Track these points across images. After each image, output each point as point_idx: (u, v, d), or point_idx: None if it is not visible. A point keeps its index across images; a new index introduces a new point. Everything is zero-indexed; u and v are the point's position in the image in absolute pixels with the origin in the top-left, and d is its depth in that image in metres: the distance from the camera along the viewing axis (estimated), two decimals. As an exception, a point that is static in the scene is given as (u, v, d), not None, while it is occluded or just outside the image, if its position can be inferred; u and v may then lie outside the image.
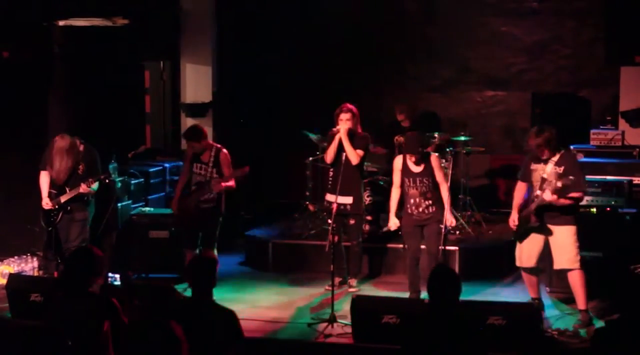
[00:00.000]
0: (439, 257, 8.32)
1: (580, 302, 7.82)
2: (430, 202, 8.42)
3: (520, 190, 8.07)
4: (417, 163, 8.45)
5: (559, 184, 7.58)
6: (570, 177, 7.56)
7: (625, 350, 5.00)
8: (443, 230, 8.33)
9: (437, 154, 8.60)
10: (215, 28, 12.10)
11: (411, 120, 10.77)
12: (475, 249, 9.86)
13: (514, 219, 8.01)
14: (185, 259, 9.01)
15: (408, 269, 8.65)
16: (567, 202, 7.69)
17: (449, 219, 8.46)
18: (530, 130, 8.00)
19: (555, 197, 7.61)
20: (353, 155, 8.92)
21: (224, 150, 8.97)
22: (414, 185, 8.45)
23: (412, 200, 8.47)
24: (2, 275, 9.11)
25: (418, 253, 8.52)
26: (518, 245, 8.07)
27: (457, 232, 10.18)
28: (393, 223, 8.64)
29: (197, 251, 8.94)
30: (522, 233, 7.98)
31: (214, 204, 8.93)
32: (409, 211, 8.50)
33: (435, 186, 8.42)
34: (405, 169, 8.50)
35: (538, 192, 7.78)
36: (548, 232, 7.83)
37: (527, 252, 7.98)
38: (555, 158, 7.78)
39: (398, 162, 8.58)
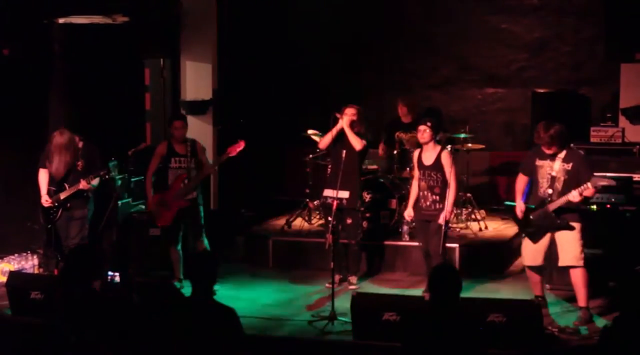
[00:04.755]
0: (439, 256, 8.34)
1: (581, 300, 7.81)
2: (437, 197, 8.49)
3: (521, 182, 8.05)
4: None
5: (599, 184, 7.55)
6: (603, 179, 7.59)
7: (634, 348, 5.00)
8: (443, 228, 8.35)
9: (448, 151, 8.66)
10: (215, 25, 12.08)
11: (413, 116, 10.76)
12: (475, 246, 9.86)
13: (520, 207, 7.90)
14: (171, 256, 9.03)
15: (424, 263, 8.76)
16: (582, 198, 7.70)
17: (444, 215, 8.40)
18: (538, 124, 7.96)
19: (581, 198, 7.60)
20: (356, 142, 8.92)
21: (199, 141, 9.12)
22: (423, 177, 8.59)
23: (421, 193, 8.62)
24: (2, 272, 9.11)
25: (427, 247, 8.61)
26: (525, 244, 8.06)
27: (458, 230, 10.19)
28: (407, 213, 8.84)
29: (180, 246, 9.00)
30: (535, 233, 7.94)
31: (195, 196, 8.99)
32: (419, 204, 8.64)
33: (445, 183, 8.45)
34: (419, 162, 8.66)
35: (550, 191, 7.76)
36: (570, 228, 7.79)
37: (533, 250, 7.97)
38: (562, 155, 7.77)
39: (416, 154, 8.75)
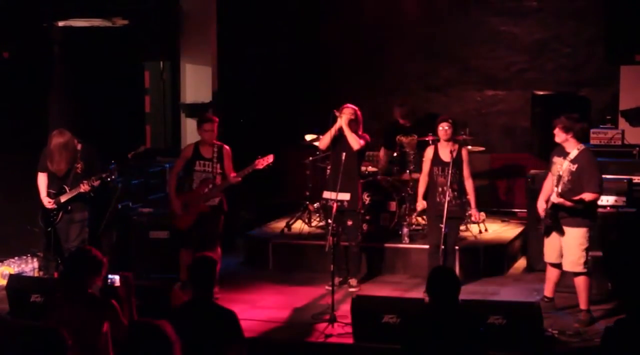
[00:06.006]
0: (455, 251, 8.45)
1: (582, 303, 7.82)
2: (456, 193, 8.60)
3: (548, 182, 8.10)
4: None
5: (560, 189, 7.59)
6: (570, 187, 7.62)
7: (635, 349, 5.00)
8: (443, 229, 8.37)
9: (468, 148, 8.78)
10: (215, 28, 12.10)
11: (411, 121, 10.77)
12: (475, 248, 9.86)
13: (541, 206, 8.00)
14: (181, 258, 8.97)
15: (428, 257, 8.79)
16: (575, 203, 7.68)
17: (475, 213, 8.81)
18: (560, 118, 8.00)
19: (561, 199, 7.60)
20: (354, 141, 8.90)
21: (226, 146, 8.94)
22: (442, 174, 8.67)
23: (440, 189, 8.68)
24: (2, 275, 9.10)
25: (439, 242, 8.59)
26: (544, 240, 8.10)
27: (463, 228, 10.17)
28: (420, 204, 8.90)
29: (194, 250, 8.92)
30: (546, 228, 7.98)
31: (218, 203, 8.89)
32: (437, 199, 8.68)
33: (462, 180, 8.62)
34: (435, 158, 8.74)
35: (555, 189, 7.80)
36: (561, 232, 7.82)
37: (548, 246, 8.02)
38: (573, 155, 7.80)
39: (429, 151, 8.85)
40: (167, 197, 9.24)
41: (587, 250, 7.80)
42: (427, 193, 8.84)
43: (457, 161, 8.64)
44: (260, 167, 8.79)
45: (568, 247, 7.80)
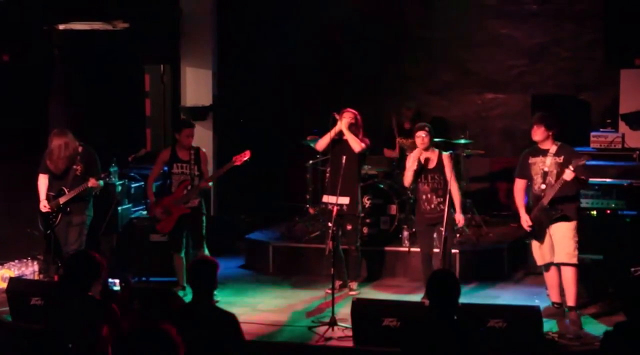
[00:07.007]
0: (446, 259, 8.39)
1: (571, 299, 7.78)
2: (441, 199, 8.52)
3: (520, 189, 8.07)
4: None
5: (580, 163, 7.56)
6: (583, 157, 7.59)
7: (635, 353, 5.00)
8: (444, 233, 8.36)
9: (449, 153, 8.74)
10: (215, 31, 12.11)
11: (412, 122, 10.78)
12: (475, 252, 9.86)
13: (526, 220, 7.92)
14: (175, 263, 8.99)
15: (422, 268, 8.76)
16: (584, 179, 7.71)
17: (459, 218, 8.64)
18: (535, 117, 8.04)
19: (574, 173, 7.56)
20: (356, 143, 8.91)
21: (202, 149, 9.10)
22: (425, 181, 8.63)
23: (424, 197, 8.63)
24: (2, 279, 9.11)
25: (430, 251, 8.62)
26: (533, 246, 8.06)
27: (458, 235, 10.18)
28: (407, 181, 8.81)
29: (184, 253, 8.95)
30: (538, 231, 7.93)
31: (197, 204, 8.95)
32: (422, 208, 8.66)
33: (446, 184, 8.52)
34: (417, 166, 8.64)
35: (543, 186, 7.78)
36: (566, 219, 7.78)
37: (541, 249, 7.97)
38: (553, 150, 7.82)
39: (411, 158, 8.75)
40: (148, 203, 9.29)
41: (578, 243, 7.80)
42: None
43: (439, 167, 8.59)
44: (239, 163, 8.90)
45: (564, 240, 7.79)
